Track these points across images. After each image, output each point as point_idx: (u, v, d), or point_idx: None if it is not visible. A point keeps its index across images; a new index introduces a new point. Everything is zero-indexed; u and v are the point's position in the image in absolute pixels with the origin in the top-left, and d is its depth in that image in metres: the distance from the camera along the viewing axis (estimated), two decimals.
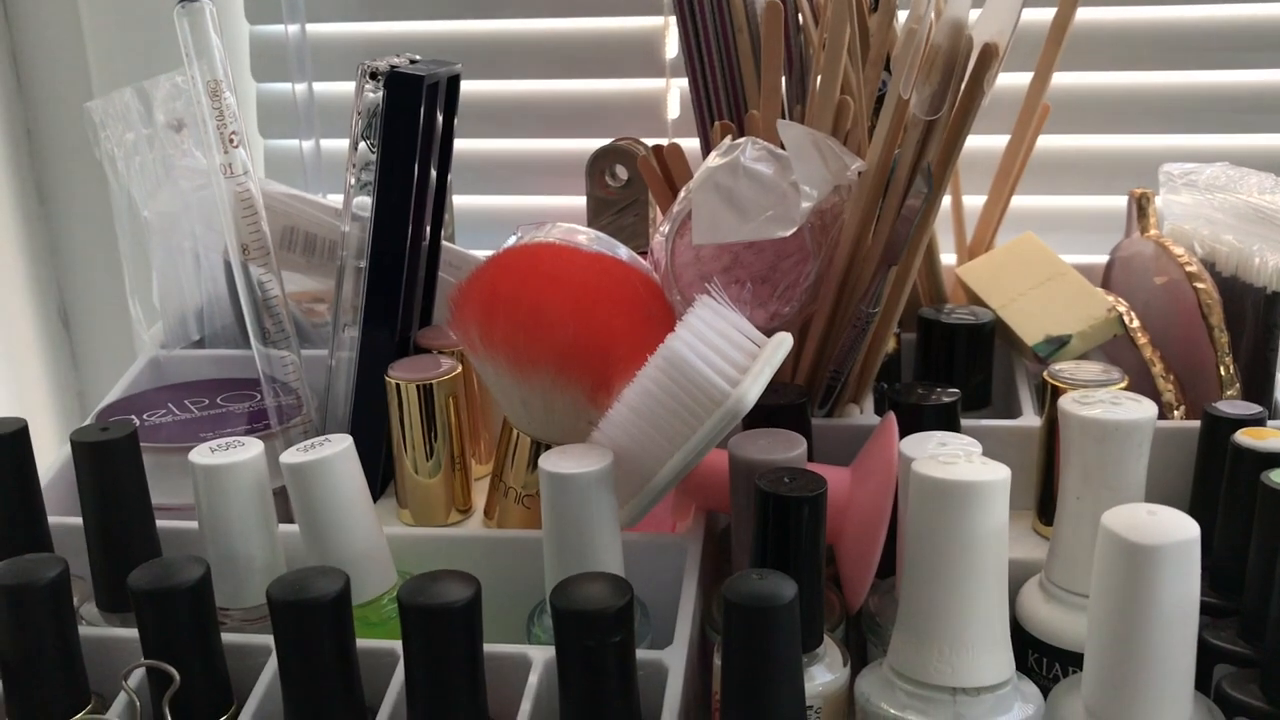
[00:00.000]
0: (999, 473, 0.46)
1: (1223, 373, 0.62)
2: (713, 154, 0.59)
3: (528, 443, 0.60)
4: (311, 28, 0.88)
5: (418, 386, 0.61)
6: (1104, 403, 0.52)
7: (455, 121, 0.67)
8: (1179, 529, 0.44)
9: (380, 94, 0.61)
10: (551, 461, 0.51)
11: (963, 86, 0.54)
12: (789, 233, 0.56)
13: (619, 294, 0.57)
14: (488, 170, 0.89)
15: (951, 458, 0.47)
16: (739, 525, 0.56)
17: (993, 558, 0.46)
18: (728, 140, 0.59)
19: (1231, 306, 0.64)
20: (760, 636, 0.44)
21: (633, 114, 0.86)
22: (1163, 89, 0.82)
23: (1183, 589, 0.43)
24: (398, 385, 0.61)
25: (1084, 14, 0.72)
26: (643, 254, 0.68)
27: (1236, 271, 0.65)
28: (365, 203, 0.63)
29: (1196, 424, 0.60)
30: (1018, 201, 0.76)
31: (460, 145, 0.87)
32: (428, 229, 0.67)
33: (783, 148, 0.58)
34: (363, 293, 0.64)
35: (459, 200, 0.86)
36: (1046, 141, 0.75)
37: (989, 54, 0.53)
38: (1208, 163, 0.71)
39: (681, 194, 0.60)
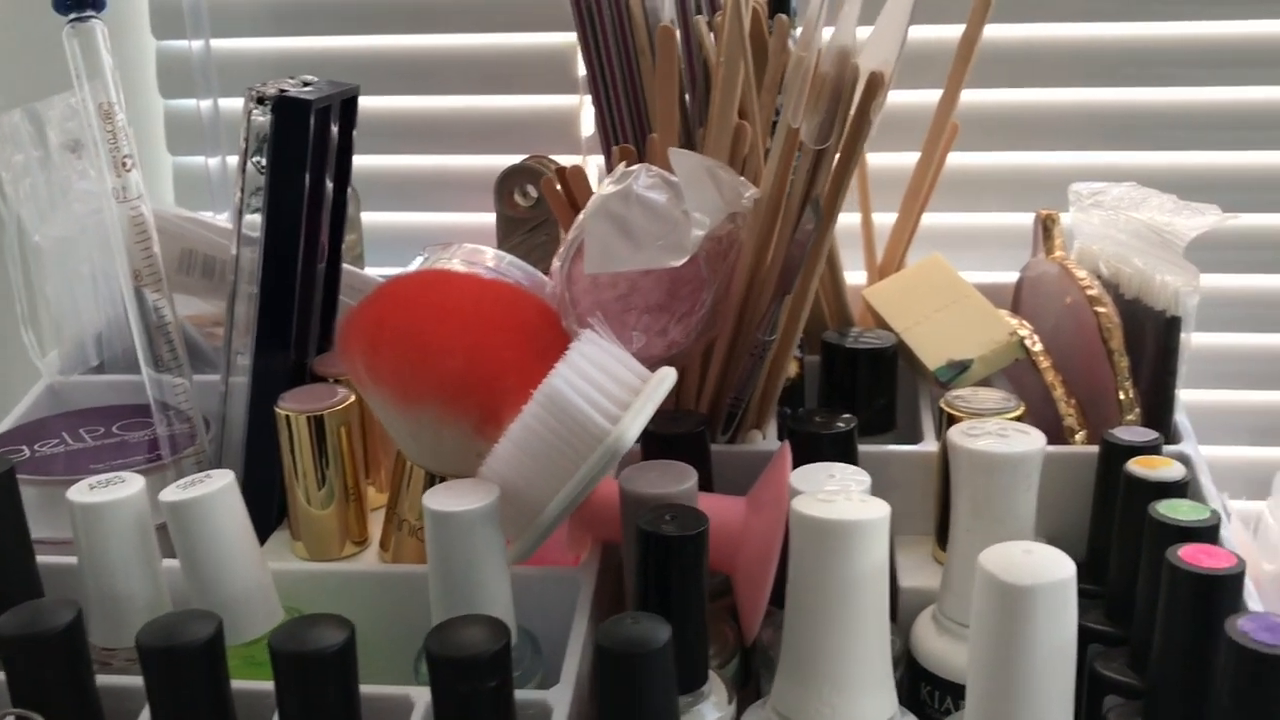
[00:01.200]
0: (877, 511, 0.46)
1: (1122, 397, 0.62)
2: (606, 181, 0.58)
3: (422, 474, 0.59)
4: (218, 43, 0.86)
5: (308, 418, 0.60)
6: (991, 435, 0.52)
7: (353, 141, 0.66)
8: (1054, 568, 0.43)
9: (268, 118, 0.60)
10: (435, 499, 0.51)
11: (850, 115, 0.53)
12: (681, 261, 0.56)
13: (510, 323, 0.56)
14: (400, 188, 0.88)
15: (830, 496, 0.46)
16: (630, 558, 0.55)
17: (872, 598, 0.46)
18: (621, 167, 0.58)
19: (1134, 330, 0.64)
20: (633, 682, 0.43)
21: (546, 131, 0.85)
22: (1074, 106, 0.82)
23: (1058, 629, 0.43)
24: (287, 417, 0.60)
25: (992, 30, 0.71)
26: None
27: (1139, 294, 0.65)
28: (257, 223, 0.62)
29: (1096, 450, 0.60)
30: (929, 219, 0.75)
31: (371, 162, 0.87)
32: (325, 251, 0.66)
33: None
34: (254, 318, 0.62)
35: (369, 218, 0.84)
36: (957, 159, 0.75)
37: (875, 83, 0.52)
38: (1117, 182, 0.71)
39: (577, 220, 0.59)
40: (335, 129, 0.64)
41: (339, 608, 0.59)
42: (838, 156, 0.55)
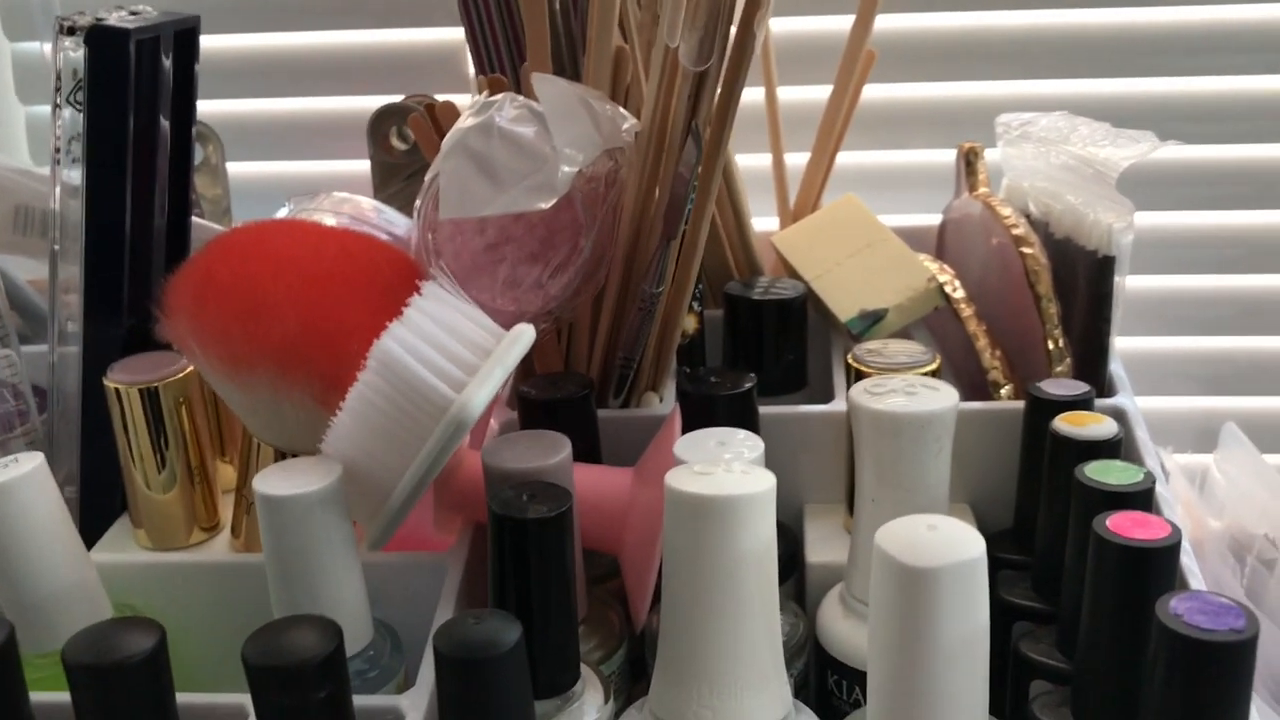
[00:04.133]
0: (760, 484, 0.40)
1: (1051, 347, 0.56)
2: (465, 113, 0.51)
3: (270, 451, 0.53)
4: None
5: (141, 390, 0.53)
6: (897, 393, 0.46)
7: (195, 78, 0.59)
8: (961, 546, 0.37)
9: (82, 52, 0.52)
10: (267, 481, 0.44)
11: (732, 32, 0.47)
12: (549, 204, 0.49)
13: (357, 279, 0.50)
14: (269, 133, 0.80)
15: (707, 468, 0.40)
16: None
17: (755, 584, 0.40)
18: (483, 97, 0.51)
19: (1066, 273, 0.58)
20: (476, 690, 0.37)
21: (429, 67, 0.77)
22: (1002, 31, 0.75)
23: (967, 616, 0.37)
24: (117, 390, 0.53)
25: None
26: None
27: (1070, 234, 0.59)
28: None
29: (1023, 406, 0.54)
30: (845, 158, 0.69)
31: (238, 106, 0.79)
32: (167, 202, 0.59)
33: None
34: (81, 279, 0.55)
35: (237, 169, 0.77)
36: (873, 92, 0.68)
37: None
38: (1047, 112, 0.65)
39: (436, 160, 0.52)
40: (169, 63, 0.57)
41: (183, 603, 0.53)
42: (721, 80, 0.48)
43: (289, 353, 0.47)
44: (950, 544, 0.37)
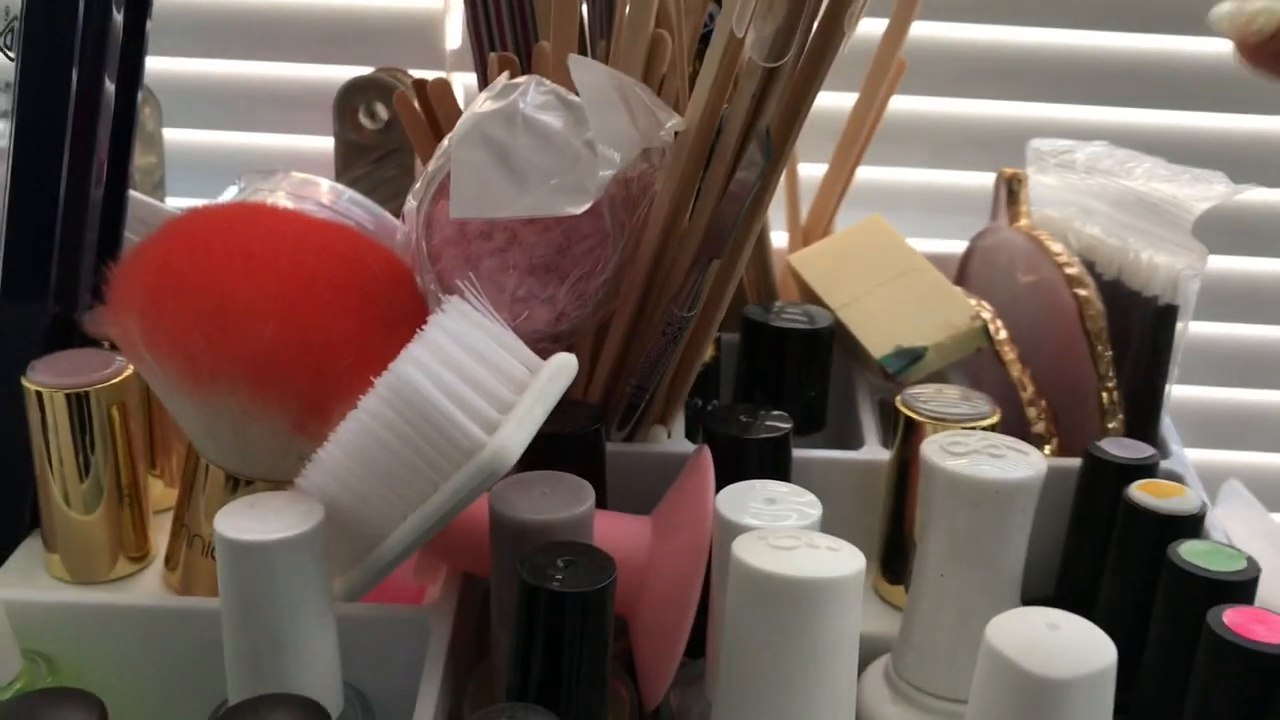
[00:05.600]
0: (851, 563, 0.33)
1: (1105, 401, 0.51)
2: (482, 95, 0.44)
3: (221, 476, 0.44)
4: None
5: (68, 395, 0.45)
6: (978, 453, 0.40)
7: (147, 34, 0.50)
8: (1091, 653, 0.32)
9: None
10: (231, 520, 0.37)
11: (815, 24, 0.40)
12: (582, 209, 0.42)
13: (345, 281, 0.42)
14: (215, 99, 0.71)
15: (785, 539, 0.34)
16: (501, 595, 0.42)
17: (842, 670, 0.34)
18: (504, 78, 0.44)
19: (1115, 318, 0.53)
20: None
21: (401, 39, 0.69)
22: (1042, 49, 0.69)
23: None
24: (39, 393, 0.45)
25: None
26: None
27: (1120, 275, 0.54)
28: (5, 131, 0.46)
29: (1073, 463, 0.49)
30: (864, 173, 0.63)
31: (179, 66, 0.70)
32: (104, 172, 0.50)
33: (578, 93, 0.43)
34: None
35: (174, 135, 0.68)
36: (900, 104, 0.63)
37: None
38: (1084, 140, 0.60)
39: (442, 146, 0.45)
40: (119, 16, 0.48)
41: (107, 651, 0.44)
42: (795, 77, 0.41)
43: (263, 367, 0.39)
44: (1080, 650, 0.32)
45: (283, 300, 0.40)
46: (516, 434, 0.34)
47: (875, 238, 0.57)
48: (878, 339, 0.53)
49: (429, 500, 0.36)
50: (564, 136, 0.43)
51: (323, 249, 0.43)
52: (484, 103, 0.44)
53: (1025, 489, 0.40)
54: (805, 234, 0.63)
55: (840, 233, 0.59)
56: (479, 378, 0.35)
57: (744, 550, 0.34)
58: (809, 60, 0.41)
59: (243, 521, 0.37)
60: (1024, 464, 0.40)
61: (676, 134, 0.45)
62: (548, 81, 0.44)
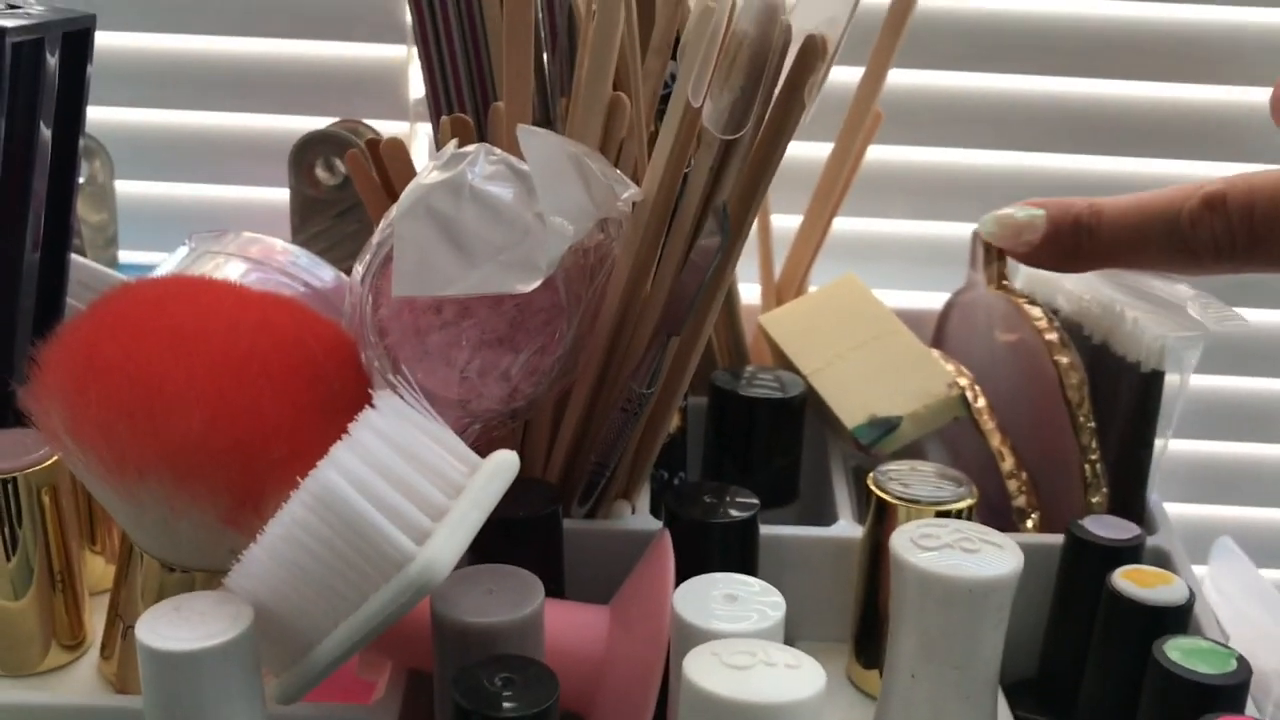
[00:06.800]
0: (811, 684, 0.31)
1: (1088, 473, 0.49)
2: (429, 164, 0.42)
3: (156, 565, 0.42)
4: None
5: None
6: (950, 546, 0.38)
7: (87, 83, 0.48)
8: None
9: None
10: (155, 628, 0.34)
11: (775, 95, 0.38)
12: (532, 286, 0.40)
13: (282, 364, 0.40)
14: (173, 152, 0.69)
15: (742, 655, 0.32)
16: (445, 696, 0.39)
17: None
18: (451, 146, 0.42)
19: (1097, 383, 0.51)
20: None
21: (364, 89, 0.67)
22: (1023, 96, 0.67)
23: None
24: None
25: (929, 2, 0.57)
26: None
27: (1108, 339, 0.51)
28: None
29: (1056, 540, 0.47)
30: (840, 224, 0.61)
31: (134, 117, 0.68)
32: (39, 235, 0.48)
33: None
34: None
35: (127, 189, 0.65)
36: (878, 153, 0.60)
37: (812, 51, 0.37)
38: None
39: (387, 217, 0.43)
40: (54, 61, 0.46)
41: None
42: (753, 150, 0.39)
43: (190, 459, 0.37)
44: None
45: (213, 387, 0.38)
46: (448, 545, 0.32)
47: (849, 298, 0.54)
48: (851, 408, 0.51)
49: (359, 610, 0.33)
50: (514, 209, 0.41)
51: (260, 328, 0.41)
52: (430, 173, 0.41)
53: (999, 587, 0.37)
54: (779, 289, 0.61)
55: (813, 292, 0.57)
56: (410, 481, 0.33)
57: (695, 670, 0.31)
58: (768, 132, 0.39)
59: (166, 628, 0.34)
60: (999, 559, 0.37)
61: (634, 204, 0.43)
62: (497, 150, 0.42)
